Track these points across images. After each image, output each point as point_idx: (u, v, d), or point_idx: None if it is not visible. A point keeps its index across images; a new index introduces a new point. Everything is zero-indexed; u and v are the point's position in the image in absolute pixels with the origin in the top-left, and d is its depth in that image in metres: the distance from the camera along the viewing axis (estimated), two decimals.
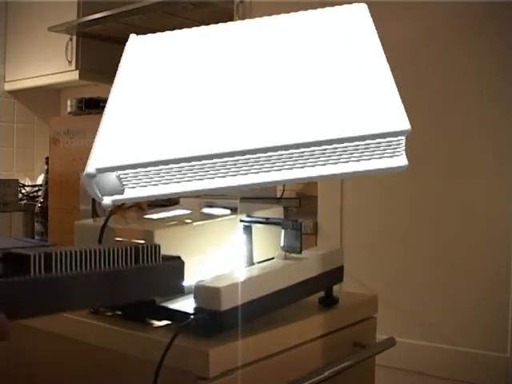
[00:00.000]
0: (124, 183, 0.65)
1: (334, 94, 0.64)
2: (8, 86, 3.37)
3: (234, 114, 0.65)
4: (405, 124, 0.59)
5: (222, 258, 0.77)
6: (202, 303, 0.64)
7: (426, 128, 1.63)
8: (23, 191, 2.69)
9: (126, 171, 0.63)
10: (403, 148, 0.61)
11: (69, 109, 1.12)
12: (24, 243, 0.66)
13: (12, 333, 0.41)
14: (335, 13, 0.76)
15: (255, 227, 0.80)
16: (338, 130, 0.60)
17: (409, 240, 1.69)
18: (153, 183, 0.64)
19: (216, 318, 0.63)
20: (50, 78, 3.11)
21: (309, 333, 0.77)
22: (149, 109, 0.70)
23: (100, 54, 2.98)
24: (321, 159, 0.61)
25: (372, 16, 0.73)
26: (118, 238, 0.72)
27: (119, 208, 0.90)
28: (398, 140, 0.60)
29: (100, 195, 0.66)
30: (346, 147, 0.60)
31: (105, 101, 0.72)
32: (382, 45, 0.68)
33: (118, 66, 0.77)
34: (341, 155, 0.61)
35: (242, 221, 0.80)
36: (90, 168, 0.63)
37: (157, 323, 0.71)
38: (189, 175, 0.63)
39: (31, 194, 2.67)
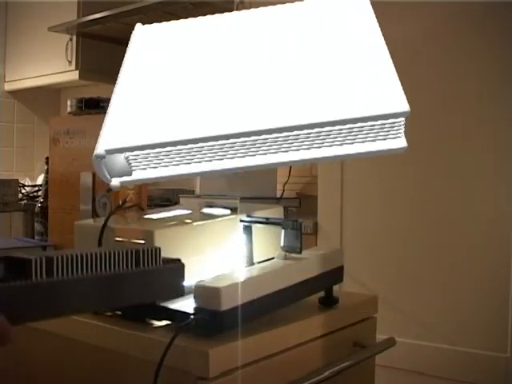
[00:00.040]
0: (132, 165, 0.65)
1: (334, 77, 0.65)
2: (8, 86, 3.37)
3: (236, 97, 0.66)
4: (404, 105, 0.59)
5: (222, 258, 0.77)
6: (201, 303, 0.64)
7: (426, 128, 1.63)
8: (23, 191, 2.69)
9: (135, 152, 0.64)
10: (402, 130, 0.61)
11: (69, 109, 1.12)
12: (24, 243, 0.66)
13: (14, 337, 0.41)
14: (335, 1, 0.76)
15: (255, 227, 0.80)
16: (335, 113, 0.60)
17: (409, 240, 1.69)
18: (163, 164, 0.65)
19: (216, 318, 0.63)
20: (50, 78, 3.11)
21: (309, 333, 0.77)
22: (154, 93, 0.71)
23: (100, 54, 2.97)
24: (316, 142, 0.62)
25: None
26: (117, 238, 0.72)
27: (119, 208, 0.90)
28: (398, 122, 0.60)
29: (109, 176, 0.66)
30: (351, 128, 0.61)
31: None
32: None
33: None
34: (345, 137, 0.61)
35: (242, 221, 0.80)
36: (99, 149, 0.64)
37: (157, 323, 0.71)
38: (198, 157, 0.64)
39: (31, 194, 2.67)
